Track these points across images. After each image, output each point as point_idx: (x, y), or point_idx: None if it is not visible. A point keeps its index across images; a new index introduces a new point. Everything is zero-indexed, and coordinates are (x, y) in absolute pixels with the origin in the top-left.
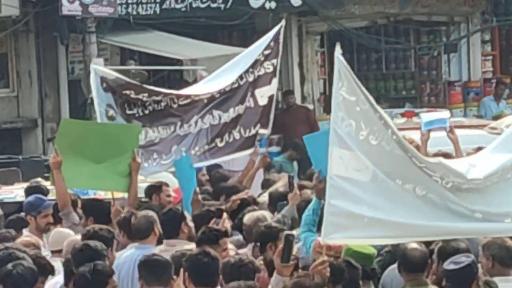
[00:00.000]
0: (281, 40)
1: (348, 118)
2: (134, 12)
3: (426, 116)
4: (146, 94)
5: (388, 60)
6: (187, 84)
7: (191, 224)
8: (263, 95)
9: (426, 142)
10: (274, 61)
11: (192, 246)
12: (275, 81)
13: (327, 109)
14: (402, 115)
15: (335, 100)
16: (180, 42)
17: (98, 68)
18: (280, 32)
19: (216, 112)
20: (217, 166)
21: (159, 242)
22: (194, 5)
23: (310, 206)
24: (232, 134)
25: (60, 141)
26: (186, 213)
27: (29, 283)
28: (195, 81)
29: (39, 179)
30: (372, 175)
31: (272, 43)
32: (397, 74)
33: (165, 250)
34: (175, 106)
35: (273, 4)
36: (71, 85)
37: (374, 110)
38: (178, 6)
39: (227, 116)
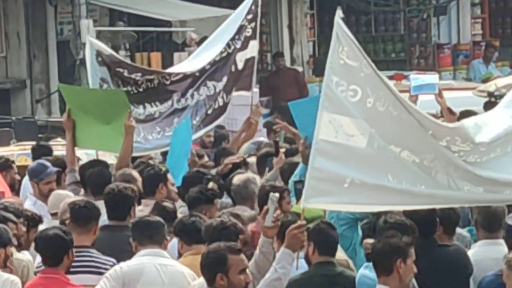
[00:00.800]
0: (259, 3)
1: (350, 83)
2: None
3: (416, 79)
4: (139, 74)
5: (377, 23)
6: (176, 45)
7: (173, 188)
8: (242, 59)
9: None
10: (253, 24)
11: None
12: (252, 43)
13: (316, 71)
14: (391, 78)
15: (331, 64)
16: (170, 4)
17: (94, 41)
18: (258, 3)
19: (210, 83)
20: (219, 127)
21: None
22: None
23: (297, 171)
24: (217, 100)
25: (70, 103)
26: (169, 176)
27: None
28: (184, 42)
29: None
30: (367, 142)
31: (253, 7)
32: (386, 37)
33: (141, 210)
34: (168, 82)
35: None
36: (59, 46)
37: (377, 75)
38: None
39: (221, 85)
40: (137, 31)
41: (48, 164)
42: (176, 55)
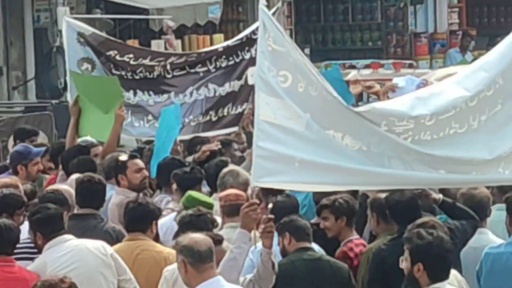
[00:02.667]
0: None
1: (280, 69)
2: None
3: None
4: (131, 55)
5: (354, 11)
6: (153, 33)
7: (136, 175)
8: (253, 74)
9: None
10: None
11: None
12: None
13: None
14: (368, 66)
15: (260, 49)
16: None
17: (72, 21)
18: (277, 11)
19: (211, 86)
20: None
21: None
22: None
23: None
24: (223, 109)
25: (79, 90)
26: (132, 163)
27: None
28: (161, 30)
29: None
30: (306, 124)
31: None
32: (363, 25)
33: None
34: (169, 76)
35: None
36: (36, 34)
37: (305, 60)
38: None
39: (222, 90)
40: (114, 19)
41: (31, 146)
42: (153, 42)
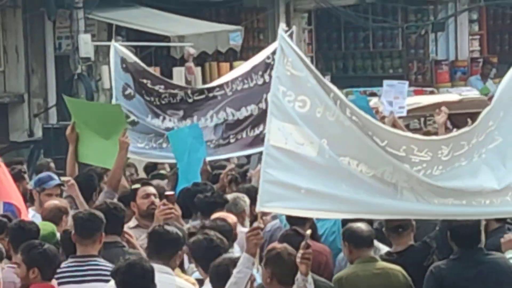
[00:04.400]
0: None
1: (299, 94)
2: None
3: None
4: (162, 86)
5: (375, 39)
6: (174, 60)
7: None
8: None
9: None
10: None
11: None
12: None
13: None
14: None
15: (277, 74)
16: (168, 19)
17: (119, 47)
18: (292, 35)
19: (229, 110)
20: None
21: None
22: None
23: None
24: (242, 132)
25: (74, 116)
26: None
27: None
28: (182, 57)
29: None
30: (318, 151)
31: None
32: (384, 53)
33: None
34: (190, 100)
35: None
36: (58, 61)
37: (325, 86)
38: None
39: (239, 114)
40: (135, 46)
41: (55, 177)
42: (174, 70)
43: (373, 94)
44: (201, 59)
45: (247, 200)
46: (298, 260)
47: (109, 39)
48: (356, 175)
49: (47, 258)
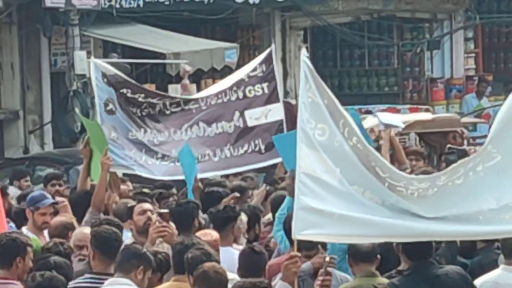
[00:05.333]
0: (274, 64)
1: (318, 122)
2: (117, 5)
3: (383, 117)
4: (142, 95)
5: (371, 56)
6: (170, 77)
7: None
8: (251, 116)
9: (389, 139)
10: (265, 84)
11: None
12: (272, 106)
13: None
14: (384, 111)
15: (302, 100)
16: (163, 36)
17: (99, 62)
18: (271, 55)
19: (201, 124)
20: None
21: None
22: None
23: (284, 204)
24: (222, 151)
25: (90, 135)
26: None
27: None
28: (178, 75)
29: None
30: (339, 179)
31: (263, 66)
32: (379, 71)
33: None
34: (168, 112)
35: None
36: (53, 78)
37: (337, 112)
38: (161, 0)
39: (210, 131)
40: (131, 63)
41: (48, 195)
42: (170, 87)
43: (369, 112)
44: (196, 76)
45: (243, 217)
46: (317, 287)
47: (105, 56)
48: (365, 202)
49: None
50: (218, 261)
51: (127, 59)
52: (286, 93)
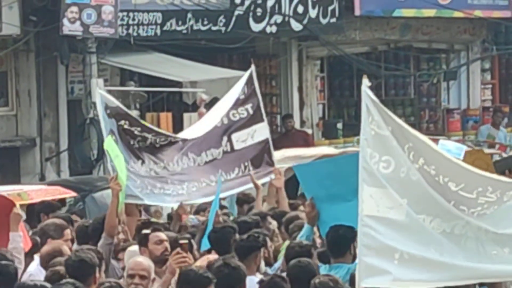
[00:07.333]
0: (255, 85)
1: (383, 154)
2: (135, 34)
3: (444, 145)
4: (139, 128)
5: (387, 87)
6: (187, 106)
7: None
8: (238, 139)
9: None
10: (249, 105)
11: None
12: (257, 126)
13: (326, 134)
14: None
15: (364, 136)
16: (180, 64)
17: (103, 93)
18: (252, 75)
19: (190, 155)
20: None
21: None
22: (195, 27)
23: (303, 232)
24: (217, 177)
25: (111, 158)
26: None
27: None
28: (194, 103)
29: None
30: (406, 212)
31: (245, 88)
32: (396, 101)
33: None
34: (157, 146)
35: (274, 28)
36: (70, 105)
37: (403, 137)
38: (179, 28)
39: (200, 160)
40: (148, 91)
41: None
42: (186, 115)
43: None
44: (213, 105)
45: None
46: None
47: (122, 84)
48: (429, 232)
49: None
50: None
51: (144, 87)
52: (302, 123)
